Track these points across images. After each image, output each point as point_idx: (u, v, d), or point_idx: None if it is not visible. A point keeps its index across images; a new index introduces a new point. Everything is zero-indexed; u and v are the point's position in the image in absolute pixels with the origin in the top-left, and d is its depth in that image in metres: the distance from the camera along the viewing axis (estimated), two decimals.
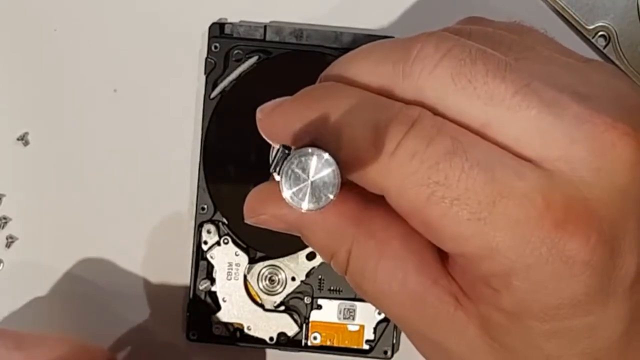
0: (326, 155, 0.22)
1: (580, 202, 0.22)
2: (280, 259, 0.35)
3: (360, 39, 0.35)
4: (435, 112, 0.24)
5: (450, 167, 0.22)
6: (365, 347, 0.36)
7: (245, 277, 0.35)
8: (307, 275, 0.35)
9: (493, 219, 0.22)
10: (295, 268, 0.35)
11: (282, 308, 0.35)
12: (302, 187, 0.22)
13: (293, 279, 0.35)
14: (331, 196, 0.22)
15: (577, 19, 0.35)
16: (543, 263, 0.22)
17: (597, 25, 0.35)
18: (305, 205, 0.22)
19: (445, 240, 0.23)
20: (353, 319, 0.36)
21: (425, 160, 0.22)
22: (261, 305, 0.35)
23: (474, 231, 0.22)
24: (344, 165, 0.23)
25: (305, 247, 0.35)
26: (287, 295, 0.35)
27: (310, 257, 0.35)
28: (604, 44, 0.35)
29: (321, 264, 0.35)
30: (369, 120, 0.24)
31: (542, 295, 0.22)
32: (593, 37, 0.35)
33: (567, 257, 0.22)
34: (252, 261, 0.35)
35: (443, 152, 0.23)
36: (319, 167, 0.22)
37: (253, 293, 0.35)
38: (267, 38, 0.35)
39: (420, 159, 0.23)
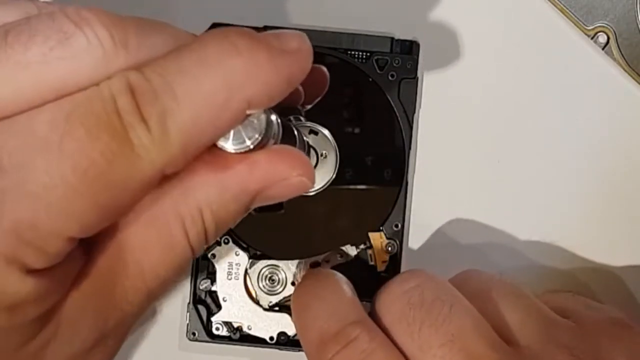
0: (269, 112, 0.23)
1: None
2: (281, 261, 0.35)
3: (360, 40, 0.35)
4: (389, 334, 0.28)
5: None
6: None
7: (245, 276, 0.35)
8: None
9: None
10: (295, 273, 0.35)
11: (277, 308, 0.35)
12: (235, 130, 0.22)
13: (293, 284, 0.35)
14: (249, 141, 0.22)
15: (576, 19, 0.35)
16: None
17: (596, 25, 0.35)
18: (229, 145, 0.22)
19: None
20: None
21: None
22: (261, 305, 0.35)
23: None
24: None
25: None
26: (285, 298, 0.35)
27: (314, 265, 0.35)
28: (603, 44, 0.35)
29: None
30: (319, 328, 0.28)
31: None
32: (592, 38, 0.35)
33: None
34: (253, 261, 0.35)
35: None
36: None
37: (253, 293, 0.35)
38: None
39: None
